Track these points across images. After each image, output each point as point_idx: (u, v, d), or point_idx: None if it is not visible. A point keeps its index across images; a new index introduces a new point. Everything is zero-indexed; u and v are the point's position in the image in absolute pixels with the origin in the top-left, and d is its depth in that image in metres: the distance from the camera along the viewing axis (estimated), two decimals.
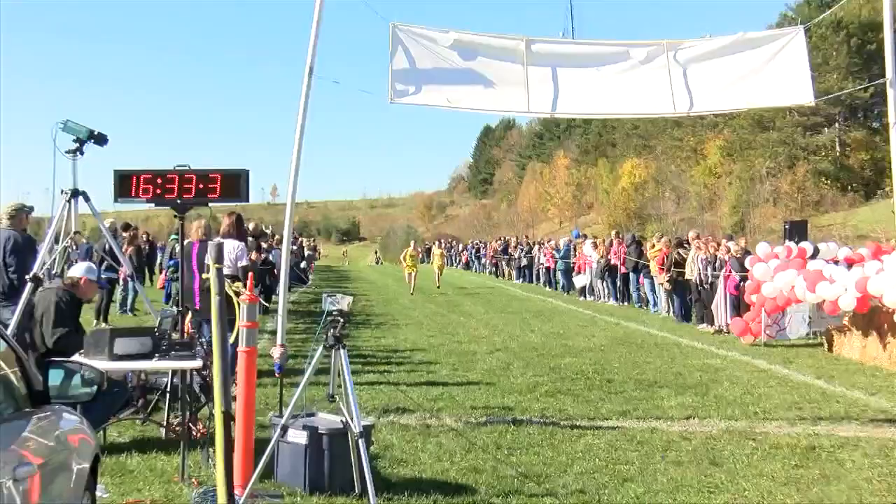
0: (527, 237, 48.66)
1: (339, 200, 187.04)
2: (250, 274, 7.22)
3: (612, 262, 24.70)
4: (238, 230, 10.27)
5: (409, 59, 8.68)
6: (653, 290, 22.30)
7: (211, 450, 6.26)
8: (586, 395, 10.30)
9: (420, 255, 35.87)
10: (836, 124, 57.68)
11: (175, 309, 7.94)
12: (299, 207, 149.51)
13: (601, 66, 9.15)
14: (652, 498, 6.36)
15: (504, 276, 42.50)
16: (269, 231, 24.27)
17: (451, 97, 8.91)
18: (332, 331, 6.16)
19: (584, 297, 27.45)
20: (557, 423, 8.67)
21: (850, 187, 54.91)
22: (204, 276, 9.04)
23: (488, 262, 47.93)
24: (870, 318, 13.44)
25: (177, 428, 6.81)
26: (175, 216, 7.48)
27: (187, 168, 7.23)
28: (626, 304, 24.43)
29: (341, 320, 6.20)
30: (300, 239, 39.41)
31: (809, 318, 15.55)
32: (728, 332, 16.63)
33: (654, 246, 22.12)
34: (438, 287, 31.30)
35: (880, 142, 50.56)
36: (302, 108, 8.30)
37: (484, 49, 9.02)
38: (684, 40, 9.28)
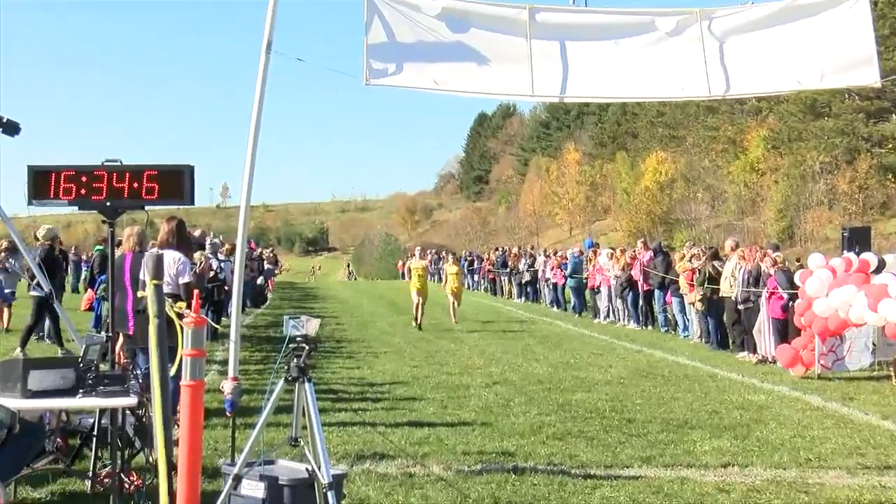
0: (532, 247, 48.77)
1: (304, 203, 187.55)
2: (195, 292, 7.22)
3: (636, 276, 24.77)
4: (179, 239, 10.26)
5: (388, 31, 8.69)
6: (682, 310, 22.35)
7: None
8: (602, 437, 10.31)
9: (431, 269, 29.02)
10: None
11: (104, 335, 7.93)
12: (255, 211, 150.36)
13: (620, 38, 9.17)
14: None
15: (503, 293, 42.52)
16: (217, 240, 24.24)
17: (439, 78, 8.92)
18: (295, 360, 6.16)
19: (599, 318, 27.51)
20: (567, 472, 8.67)
21: None
22: (139, 294, 9.04)
23: (485, 277, 47.92)
24: None
25: (105, 479, 6.79)
26: (104, 222, 7.47)
27: (119, 164, 7.23)
28: (649, 327, 24.49)
29: (306, 347, 6.21)
30: (257, 249, 39.41)
31: (874, 345, 15.58)
32: (774, 363, 16.67)
33: (684, 257, 22.18)
34: (456, 323, 26.04)
35: None
36: (258, 93, 8.30)
37: (478, 19, 9.02)
38: (721, 8, 9.30)
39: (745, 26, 9.14)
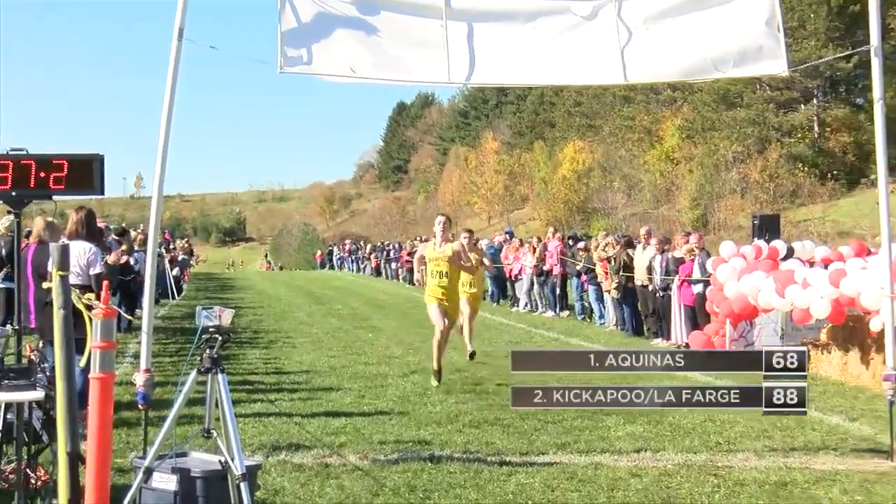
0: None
1: (221, 193, 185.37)
2: (105, 283, 7.09)
3: (549, 266, 24.95)
4: (89, 229, 10.12)
5: (301, 17, 8.61)
6: (599, 298, 22.56)
7: (55, 501, 6.13)
8: (518, 425, 10.38)
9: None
10: (815, 100, 59.05)
11: (9, 327, 7.76)
12: (171, 201, 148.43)
13: (536, 24, 9.17)
14: None
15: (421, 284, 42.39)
16: (133, 232, 23.87)
17: (355, 66, 8.86)
18: (207, 351, 6.11)
19: (518, 307, 27.68)
20: (484, 460, 8.73)
21: (830, 175, 56.12)
22: (45, 285, 8.87)
23: (402, 266, 47.87)
24: (851, 332, 13.82)
25: (10, 475, 6.65)
26: (9, 212, 7.32)
27: (24, 152, 7.07)
28: (566, 314, 24.70)
29: (219, 338, 6.16)
30: (172, 240, 38.92)
31: (782, 329, 15.90)
32: (687, 348, 16.91)
33: (598, 245, 22.41)
34: (473, 354, 15.24)
35: (865, 121, 51.88)
36: (170, 81, 8.18)
37: (393, 5, 8.97)
38: None
39: (660, 13, 9.20)
